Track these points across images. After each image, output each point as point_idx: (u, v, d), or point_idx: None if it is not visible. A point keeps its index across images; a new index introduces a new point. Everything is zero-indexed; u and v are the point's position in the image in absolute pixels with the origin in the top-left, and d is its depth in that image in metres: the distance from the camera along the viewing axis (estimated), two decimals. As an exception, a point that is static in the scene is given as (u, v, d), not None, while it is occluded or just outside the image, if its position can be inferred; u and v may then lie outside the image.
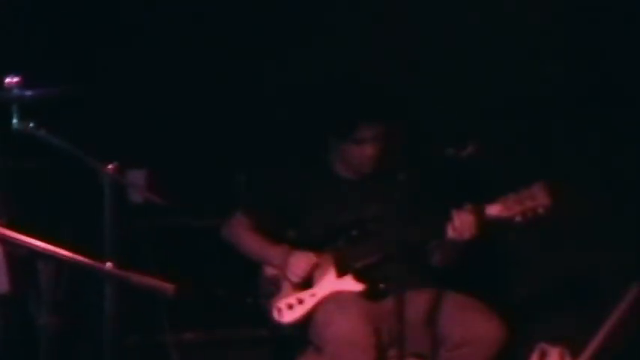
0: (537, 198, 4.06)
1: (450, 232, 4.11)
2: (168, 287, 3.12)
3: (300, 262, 4.34)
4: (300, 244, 4.43)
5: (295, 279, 4.34)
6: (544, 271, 4.93)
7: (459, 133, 4.69)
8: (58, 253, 3.08)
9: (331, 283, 4.33)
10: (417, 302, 4.21)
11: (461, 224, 4.09)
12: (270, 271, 4.45)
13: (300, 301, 4.33)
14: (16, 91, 3.57)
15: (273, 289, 4.39)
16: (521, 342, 4.69)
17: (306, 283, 4.35)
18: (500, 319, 4.18)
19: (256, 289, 4.50)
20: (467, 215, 4.09)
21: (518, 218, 4.09)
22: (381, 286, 4.29)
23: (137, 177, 4.69)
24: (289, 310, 4.33)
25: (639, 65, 4.68)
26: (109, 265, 3.30)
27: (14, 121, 3.54)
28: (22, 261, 3.17)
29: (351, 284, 4.32)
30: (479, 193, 4.35)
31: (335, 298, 4.28)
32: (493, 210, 4.11)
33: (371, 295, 4.30)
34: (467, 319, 4.16)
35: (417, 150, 4.54)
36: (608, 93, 4.75)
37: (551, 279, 4.92)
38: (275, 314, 4.34)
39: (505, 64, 4.91)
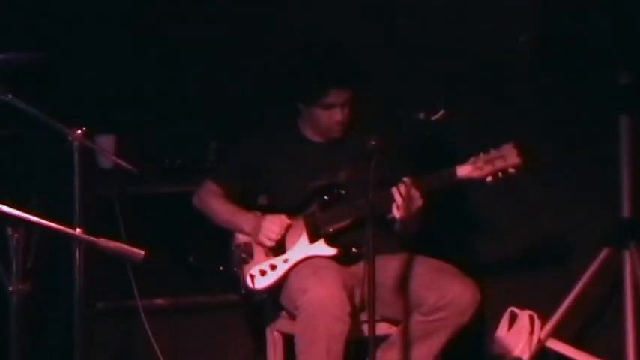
0: (508, 158, 4.07)
1: (395, 212, 4.11)
2: (138, 253, 3.11)
3: (273, 225, 4.32)
4: (272, 210, 4.43)
5: (268, 242, 4.33)
6: (513, 235, 4.95)
7: (429, 97, 4.71)
8: (28, 219, 3.06)
9: (304, 249, 4.33)
10: (390, 267, 4.22)
11: (403, 201, 4.10)
12: (241, 238, 4.43)
13: (273, 267, 4.33)
14: (-18, 56, 3.53)
15: (245, 257, 4.38)
16: (491, 306, 4.73)
17: (279, 249, 4.35)
18: (474, 284, 4.20)
19: (228, 257, 4.49)
20: (407, 190, 4.10)
21: (489, 179, 4.10)
22: (354, 250, 4.29)
23: (106, 142, 4.66)
24: (262, 276, 4.33)
25: (600, 28, 4.69)
26: (78, 230, 3.28)
27: (-19, 86, 3.51)
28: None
29: (323, 249, 4.32)
30: (448, 155, 4.35)
31: (309, 263, 4.27)
32: (464, 171, 4.12)
33: (344, 259, 4.31)
34: (442, 284, 4.16)
35: (388, 115, 4.53)
36: (572, 56, 4.76)
37: (520, 243, 4.94)
38: (248, 281, 4.33)
39: (470, 29, 4.90)
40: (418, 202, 4.11)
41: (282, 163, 4.42)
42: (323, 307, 4.06)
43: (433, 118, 3.97)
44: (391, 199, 4.12)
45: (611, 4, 4.63)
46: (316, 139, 4.47)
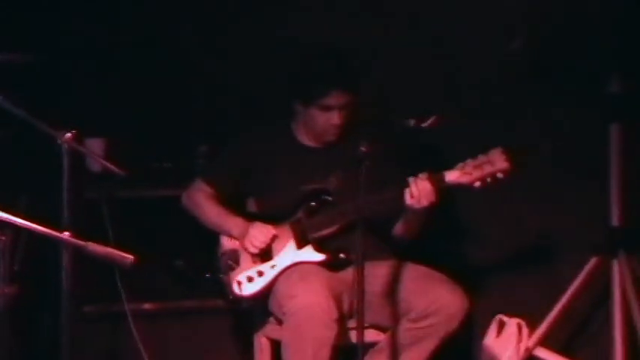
0: (496, 163, 4.06)
1: (408, 200, 4.10)
2: (127, 257, 3.10)
3: (259, 234, 4.32)
4: (261, 214, 4.42)
5: (254, 250, 4.32)
6: (502, 243, 4.95)
7: (421, 103, 4.71)
8: (16, 222, 3.04)
9: (292, 255, 4.32)
10: (378, 273, 4.21)
11: (418, 192, 4.08)
12: (227, 245, 4.42)
13: (261, 274, 4.32)
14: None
15: (232, 264, 4.37)
16: (479, 314, 4.73)
17: (266, 255, 4.34)
18: (463, 291, 4.19)
19: (215, 263, 4.47)
20: (424, 183, 4.09)
21: (477, 184, 4.09)
22: (342, 256, 4.29)
23: (96, 145, 4.64)
24: (249, 282, 4.31)
25: (592, 37, 4.70)
26: (66, 234, 3.27)
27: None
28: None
29: (311, 255, 4.31)
30: (438, 160, 4.35)
31: (297, 269, 4.26)
32: (452, 176, 4.11)
33: (331, 265, 4.30)
34: (431, 291, 4.16)
35: (380, 121, 4.53)
36: (564, 64, 4.77)
37: (509, 251, 4.94)
38: (235, 288, 4.32)
39: (463, 35, 4.90)
40: (431, 197, 4.09)
41: (274, 166, 4.41)
42: (310, 313, 4.05)
43: (424, 125, 3.97)
44: (383, 202, 4.12)
45: (603, 13, 4.64)
46: (309, 143, 4.45)
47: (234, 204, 4.49)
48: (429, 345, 4.16)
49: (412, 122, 3.96)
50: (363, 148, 3.84)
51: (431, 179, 4.09)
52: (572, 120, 4.81)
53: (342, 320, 4.14)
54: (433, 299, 4.13)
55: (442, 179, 4.10)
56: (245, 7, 5.02)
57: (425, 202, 4.09)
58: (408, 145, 4.49)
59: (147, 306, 4.73)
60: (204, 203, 4.47)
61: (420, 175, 4.10)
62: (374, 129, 4.28)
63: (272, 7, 5.00)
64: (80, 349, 3.83)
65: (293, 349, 4.11)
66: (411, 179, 4.09)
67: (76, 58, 4.84)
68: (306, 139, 4.45)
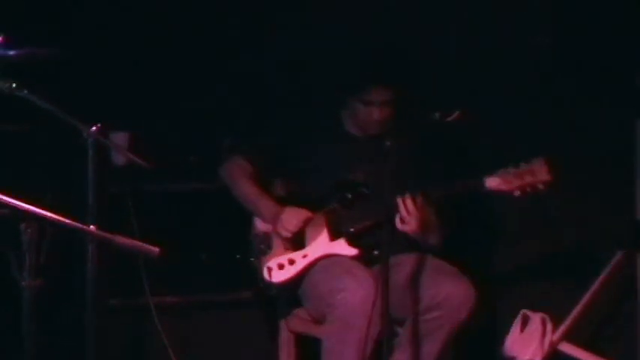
0: (538, 174, 4.03)
1: (399, 225, 4.08)
2: (153, 250, 3.10)
3: (292, 217, 4.28)
4: (291, 197, 4.39)
5: (287, 234, 4.28)
6: (527, 238, 4.94)
7: (448, 100, 4.69)
8: (41, 215, 3.05)
9: (324, 246, 4.28)
10: (400, 267, 4.17)
11: (407, 215, 4.07)
12: (260, 228, 4.39)
13: (292, 262, 4.28)
14: (-2, 51, 3.53)
15: (264, 248, 4.34)
16: (503, 309, 4.72)
17: (298, 243, 4.31)
18: (469, 283, 4.14)
19: (248, 245, 4.45)
20: (411, 206, 4.07)
21: (517, 193, 4.05)
22: (375, 252, 4.24)
23: (120, 139, 4.65)
24: (280, 270, 4.28)
25: (617, 31, 4.68)
26: (92, 227, 3.28)
27: (-4, 81, 3.50)
28: (4, 222, 3.14)
29: (344, 248, 4.27)
30: (478, 165, 4.33)
31: (337, 261, 4.22)
32: (492, 183, 4.07)
33: (364, 261, 4.26)
34: (436, 283, 4.12)
35: (407, 116, 4.52)
36: (589, 59, 4.75)
37: (533, 246, 4.93)
38: (265, 273, 4.29)
39: (501, 36, 4.89)
40: (415, 225, 4.08)
41: (315, 150, 4.38)
42: (361, 307, 4.01)
43: (448, 119, 3.95)
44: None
45: (629, 7, 4.62)
46: (356, 132, 4.43)
47: (270, 184, 4.47)
48: (440, 338, 4.10)
49: (437, 116, 3.95)
50: (387, 143, 3.83)
51: (418, 203, 4.08)
52: (597, 115, 4.79)
53: (386, 315, 4.09)
54: (437, 292, 4.09)
55: (482, 185, 4.08)
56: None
57: (410, 229, 4.09)
58: (440, 141, 4.47)
59: (171, 299, 4.74)
60: (241, 180, 4.43)
61: (411, 196, 4.08)
62: (408, 123, 4.26)
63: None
64: (105, 342, 3.85)
65: (339, 342, 4.07)
66: (399, 201, 4.07)
67: (100, 52, 4.86)
68: (352, 128, 4.42)
